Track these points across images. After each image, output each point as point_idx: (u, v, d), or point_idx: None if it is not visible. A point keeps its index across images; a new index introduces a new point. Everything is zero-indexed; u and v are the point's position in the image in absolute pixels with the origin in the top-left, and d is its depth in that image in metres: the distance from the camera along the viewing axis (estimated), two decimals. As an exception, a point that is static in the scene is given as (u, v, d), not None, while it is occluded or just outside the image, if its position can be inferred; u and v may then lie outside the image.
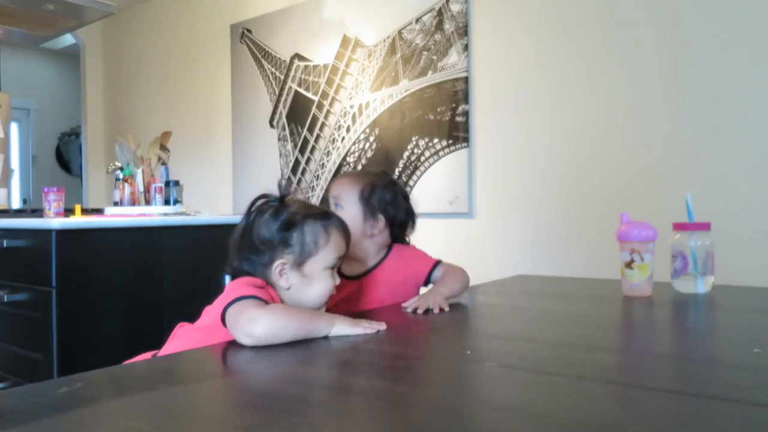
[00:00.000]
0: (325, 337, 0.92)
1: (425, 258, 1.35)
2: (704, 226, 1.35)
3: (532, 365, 0.78)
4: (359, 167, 3.08)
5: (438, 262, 1.34)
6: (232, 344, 0.88)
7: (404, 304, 1.17)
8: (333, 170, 3.20)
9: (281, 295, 1.02)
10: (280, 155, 3.46)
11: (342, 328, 0.94)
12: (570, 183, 2.42)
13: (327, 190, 1.20)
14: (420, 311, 1.12)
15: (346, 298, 1.24)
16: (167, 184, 2.39)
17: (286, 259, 1.01)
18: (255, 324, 0.85)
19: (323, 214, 1.07)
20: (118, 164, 2.46)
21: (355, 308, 1.26)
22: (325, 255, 1.03)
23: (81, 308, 1.66)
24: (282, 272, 1.01)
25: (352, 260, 1.27)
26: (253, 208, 1.09)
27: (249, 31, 3.66)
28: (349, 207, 1.29)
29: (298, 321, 0.90)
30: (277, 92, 3.48)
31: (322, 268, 1.03)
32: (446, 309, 1.14)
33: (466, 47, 2.70)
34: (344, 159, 3.15)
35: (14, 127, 5.68)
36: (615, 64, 2.31)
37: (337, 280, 1.06)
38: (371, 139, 3.03)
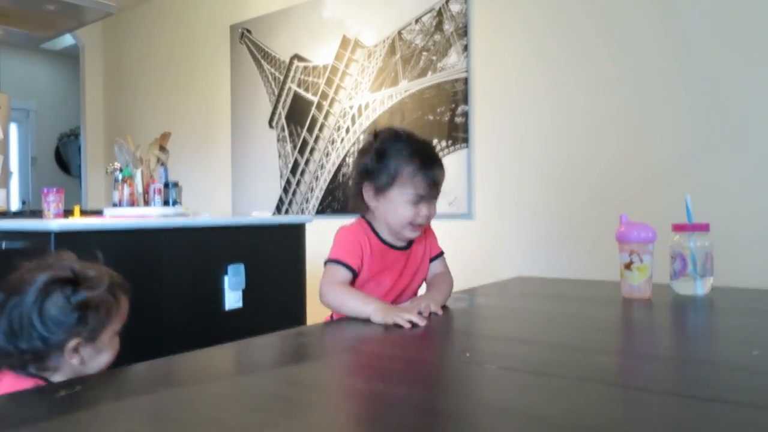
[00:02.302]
0: (325, 338, 0.92)
1: (436, 241, 1.37)
2: (703, 227, 1.35)
3: (531, 367, 0.77)
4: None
5: (442, 253, 1.36)
6: (232, 346, 0.88)
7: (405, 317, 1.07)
8: (332, 171, 3.20)
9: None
10: (279, 156, 3.46)
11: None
12: (569, 184, 2.42)
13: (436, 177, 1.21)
14: (424, 314, 1.09)
15: (401, 273, 1.26)
16: (166, 185, 2.38)
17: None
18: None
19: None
20: (118, 165, 2.45)
21: (413, 281, 1.30)
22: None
23: (80, 310, 1.65)
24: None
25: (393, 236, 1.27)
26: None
27: (248, 31, 3.66)
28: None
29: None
30: (276, 93, 3.48)
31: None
32: (440, 313, 1.13)
33: (465, 48, 2.70)
34: (344, 160, 3.15)
35: (13, 128, 5.68)
36: (614, 65, 2.31)
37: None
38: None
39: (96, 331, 0.99)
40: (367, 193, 1.22)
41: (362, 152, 1.24)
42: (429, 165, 1.19)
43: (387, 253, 1.25)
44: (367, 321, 1.06)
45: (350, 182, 1.28)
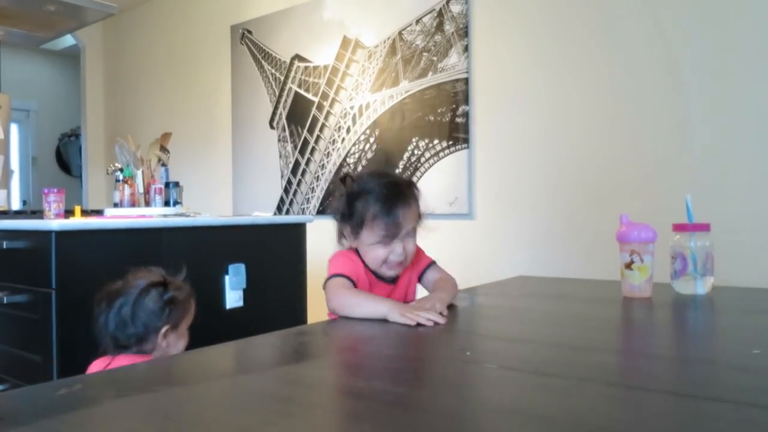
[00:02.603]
0: (325, 339, 0.92)
1: (422, 254, 1.37)
2: (704, 227, 1.35)
3: (532, 367, 0.77)
4: (359, 168, 3.08)
5: (433, 263, 1.36)
6: (233, 345, 0.88)
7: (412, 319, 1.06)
8: (333, 171, 3.20)
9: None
10: (280, 156, 3.46)
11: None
12: (570, 184, 2.42)
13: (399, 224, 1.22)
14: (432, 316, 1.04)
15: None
16: (167, 185, 2.39)
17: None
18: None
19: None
20: (118, 165, 2.46)
21: None
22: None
23: (81, 310, 1.65)
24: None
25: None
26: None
27: (249, 32, 3.66)
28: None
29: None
30: (277, 93, 3.48)
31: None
32: (445, 313, 1.07)
33: (466, 48, 2.70)
34: (344, 160, 3.15)
35: (14, 128, 5.69)
36: (614, 65, 2.31)
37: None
38: (371, 140, 3.03)
39: (178, 321, 1.36)
40: (347, 235, 1.27)
41: (336, 196, 1.29)
42: (392, 207, 1.20)
43: (375, 284, 1.27)
44: (367, 320, 1.06)
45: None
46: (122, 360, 1.30)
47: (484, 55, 2.67)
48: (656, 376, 0.74)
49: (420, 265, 1.35)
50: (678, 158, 2.17)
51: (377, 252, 1.22)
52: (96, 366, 1.33)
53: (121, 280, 1.36)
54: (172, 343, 1.35)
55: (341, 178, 1.31)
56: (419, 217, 1.27)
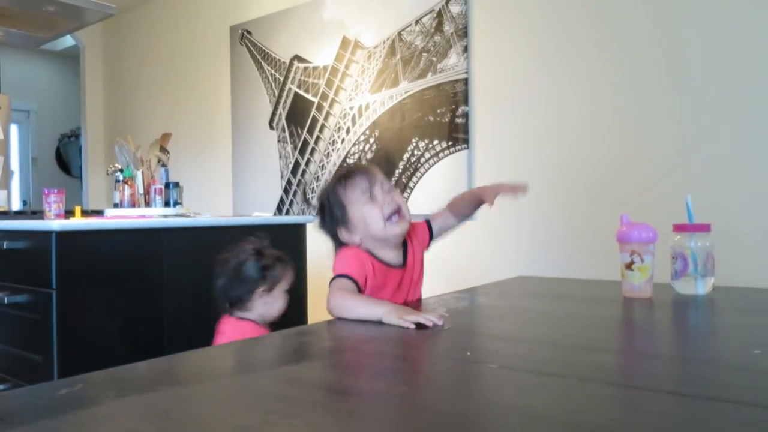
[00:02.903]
0: (325, 339, 0.92)
1: (419, 224, 1.38)
2: (704, 227, 1.35)
3: (532, 367, 0.77)
4: (359, 169, 3.07)
5: (427, 220, 1.39)
6: (233, 345, 0.88)
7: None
8: (333, 171, 3.20)
9: None
10: (280, 157, 3.46)
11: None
12: (570, 184, 2.42)
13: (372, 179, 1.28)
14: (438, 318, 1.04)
15: (398, 286, 1.28)
16: (167, 185, 2.39)
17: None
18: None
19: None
20: (118, 166, 2.46)
21: (409, 293, 1.31)
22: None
23: (81, 310, 1.66)
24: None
25: (391, 251, 1.28)
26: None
27: (249, 32, 3.66)
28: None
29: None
30: (276, 94, 3.49)
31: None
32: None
33: (465, 49, 2.70)
34: (344, 160, 3.15)
35: (14, 129, 5.69)
36: (614, 65, 2.32)
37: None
38: (371, 140, 3.03)
39: (273, 284, 1.61)
40: (344, 234, 1.26)
41: (320, 219, 1.31)
42: (350, 171, 1.28)
43: (387, 272, 1.26)
44: (368, 321, 1.06)
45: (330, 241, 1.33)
46: (225, 322, 1.58)
47: (484, 56, 2.67)
48: (656, 375, 0.74)
49: (418, 231, 1.36)
50: (678, 158, 2.17)
51: (372, 212, 1.22)
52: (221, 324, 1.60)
53: (235, 247, 1.63)
54: (269, 303, 1.60)
55: (306, 201, 1.38)
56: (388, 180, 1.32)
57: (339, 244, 1.29)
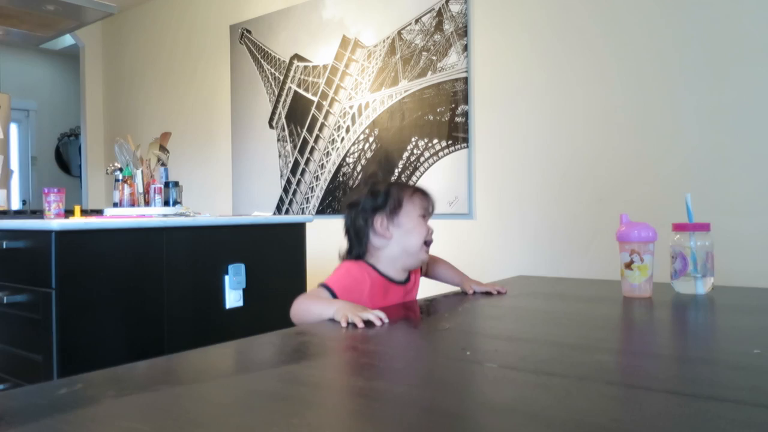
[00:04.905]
0: (325, 338, 0.92)
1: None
2: (704, 226, 1.35)
3: (532, 366, 0.77)
4: (359, 168, 3.08)
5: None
6: (233, 345, 0.88)
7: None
8: (332, 171, 3.20)
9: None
10: (280, 156, 3.46)
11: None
12: (570, 183, 2.42)
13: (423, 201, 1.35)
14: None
15: (391, 301, 1.30)
16: (167, 185, 2.39)
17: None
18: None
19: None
20: (118, 165, 2.46)
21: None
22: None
23: (81, 309, 1.66)
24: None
25: (400, 269, 1.32)
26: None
27: (248, 31, 3.66)
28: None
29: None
30: (276, 93, 3.48)
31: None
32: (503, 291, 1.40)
33: (465, 48, 2.70)
34: (344, 160, 3.15)
35: (14, 128, 5.68)
36: (615, 65, 2.31)
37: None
38: (371, 139, 3.03)
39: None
40: (381, 225, 1.27)
41: (361, 195, 1.32)
42: (419, 190, 1.34)
43: (389, 288, 1.28)
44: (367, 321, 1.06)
45: (349, 232, 1.32)
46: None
47: (484, 55, 2.67)
48: (656, 375, 0.74)
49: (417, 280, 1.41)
50: (678, 158, 2.17)
51: (419, 229, 1.28)
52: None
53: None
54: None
55: (369, 175, 1.40)
56: None
57: (348, 251, 1.31)
